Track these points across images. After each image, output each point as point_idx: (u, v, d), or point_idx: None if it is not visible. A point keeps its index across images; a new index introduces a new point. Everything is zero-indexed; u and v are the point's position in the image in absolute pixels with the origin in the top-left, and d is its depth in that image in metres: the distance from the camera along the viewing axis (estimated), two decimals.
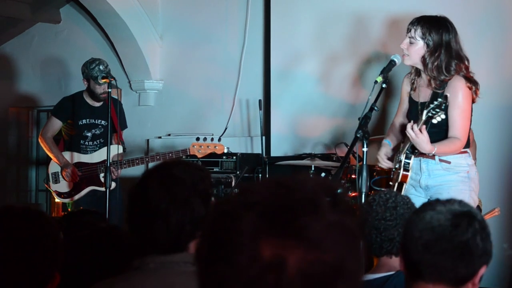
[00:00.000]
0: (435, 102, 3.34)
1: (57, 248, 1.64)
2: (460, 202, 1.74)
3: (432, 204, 1.74)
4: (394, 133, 3.89)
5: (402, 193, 3.52)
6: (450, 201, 1.74)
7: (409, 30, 3.68)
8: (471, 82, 3.60)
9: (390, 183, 3.80)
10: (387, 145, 3.80)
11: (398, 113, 3.90)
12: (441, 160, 3.63)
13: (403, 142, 3.77)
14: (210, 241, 0.98)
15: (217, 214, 1.00)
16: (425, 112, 3.37)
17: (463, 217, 1.69)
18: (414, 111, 3.75)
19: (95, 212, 2.80)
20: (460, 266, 1.65)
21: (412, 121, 3.49)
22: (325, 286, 0.93)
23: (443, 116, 3.34)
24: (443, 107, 3.32)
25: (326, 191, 0.99)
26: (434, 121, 3.37)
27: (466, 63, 3.65)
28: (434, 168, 3.64)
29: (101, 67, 5.15)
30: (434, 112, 3.33)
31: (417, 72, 3.75)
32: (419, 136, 3.41)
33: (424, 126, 3.41)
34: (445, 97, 3.34)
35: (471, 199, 3.62)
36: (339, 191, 1.01)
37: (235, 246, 0.94)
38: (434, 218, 1.68)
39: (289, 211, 0.95)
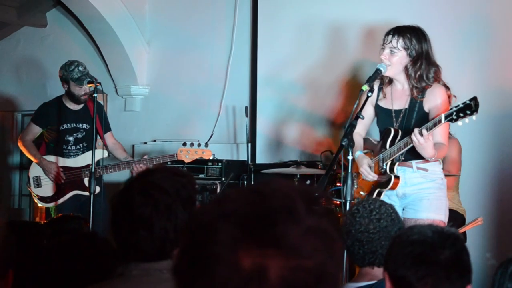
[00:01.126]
0: (460, 105, 3.32)
1: (4, 248, 1.65)
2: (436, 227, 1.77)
3: (412, 226, 1.75)
4: (359, 142, 3.85)
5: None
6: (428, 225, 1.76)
7: (388, 41, 3.69)
8: (450, 90, 3.66)
9: (362, 192, 3.80)
10: (365, 156, 3.78)
11: (359, 122, 3.79)
12: (418, 168, 3.65)
13: (374, 151, 3.79)
14: (188, 254, 0.96)
15: (193, 227, 0.98)
16: (443, 116, 3.35)
17: (448, 233, 1.71)
18: (385, 119, 3.78)
19: (78, 217, 2.78)
20: (456, 278, 1.66)
21: (417, 128, 3.45)
22: None
23: (474, 118, 3.32)
24: (474, 108, 3.28)
25: (301, 195, 0.98)
26: (460, 123, 3.35)
27: (440, 70, 3.70)
28: (411, 176, 3.67)
29: (80, 68, 5.09)
30: (462, 114, 3.30)
31: (389, 80, 3.78)
32: (427, 141, 3.42)
33: (431, 132, 3.43)
34: (475, 99, 3.31)
35: (446, 206, 3.70)
36: (315, 195, 1.00)
37: (214, 258, 0.93)
38: (421, 234, 1.68)
39: (266, 219, 0.94)
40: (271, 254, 0.92)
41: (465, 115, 3.29)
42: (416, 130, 3.44)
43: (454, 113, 3.31)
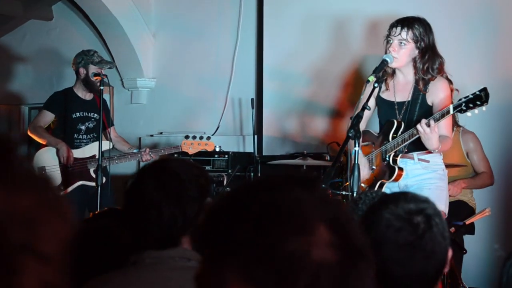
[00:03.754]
0: (470, 96, 3.31)
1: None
2: (404, 198, 1.65)
3: (383, 217, 1.61)
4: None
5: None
6: (396, 203, 1.63)
7: (396, 33, 3.67)
8: (452, 84, 3.66)
9: (363, 185, 3.80)
10: (362, 155, 3.71)
11: None
12: (420, 160, 3.67)
13: (375, 143, 3.79)
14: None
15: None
16: (451, 107, 3.35)
17: (420, 220, 1.61)
18: (388, 111, 3.77)
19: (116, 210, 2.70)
20: (437, 263, 1.62)
21: (424, 119, 3.45)
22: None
23: (484, 109, 3.31)
24: (484, 99, 3.26)
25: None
26: (469, 114, 3.34)
27: (444, 62, 3.71)
28: (412, 167, 3.69)
29: (98, 54, 5.25)
30: (471, 105, 3.29)
31: (393, 72, 3.77)
32: (433, 133, 3.42)
33: (438, 123, 3.43)
34: (485, 89, 3.30)
35: (447, 196, 3.74)
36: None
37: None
38: (398, 236, 1.58)
39: None
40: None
41: (475, 105, 3.29)
42: (423, 121, 3.44)
43: (464, 104, 3.31)
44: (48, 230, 0.87)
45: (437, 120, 3.43)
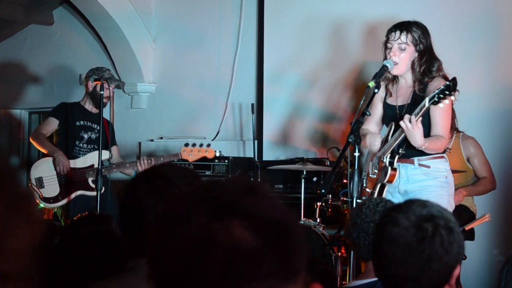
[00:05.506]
0: (442, 87, 3.33)
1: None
2: (421, 205, 1.68)
3: (393, 217, 1.67)
4: None
5: (383, 196, 3.54)
6: (411, 207, 1.67)
7: (396, 37, 3.68)
8: None
9: (367, 189, 3.80)
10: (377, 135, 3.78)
11: (370, 120, 3.85)
12: (420, 165, 3.65)
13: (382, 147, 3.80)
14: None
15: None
16: (427, 99, 3.36)
17: (427, 226, 1.63)
18: (390, 115, 3.78)
19: (103, 216, 2.73)
20: (433, 274, 1.63)
21: (406, 114, 3.47)
22: None
23: (453, 98, 3.33)
24: (452, 88, 3.29)
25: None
26: (441, 105, 3.36)
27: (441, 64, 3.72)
28: (413, 173, 3.67)
29: (110, 71, 5.31)
30: (442, 96, 3.31)
31: (394, 78, 3.78)
32: (415, 128, 3.42)
33: (420, 119, 3.43)
34: (454, 79, 3.32)
35: (449, 205, 3.65)
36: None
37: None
38: (399, 235, 1.63)
39: None
40: None
41: (445, 95, 3.30)
42: (406, 116, 3.45)
43: (436, 96, 3.32)
44: (9, 244, 0.77)
45: (417, 114, 3.43)
